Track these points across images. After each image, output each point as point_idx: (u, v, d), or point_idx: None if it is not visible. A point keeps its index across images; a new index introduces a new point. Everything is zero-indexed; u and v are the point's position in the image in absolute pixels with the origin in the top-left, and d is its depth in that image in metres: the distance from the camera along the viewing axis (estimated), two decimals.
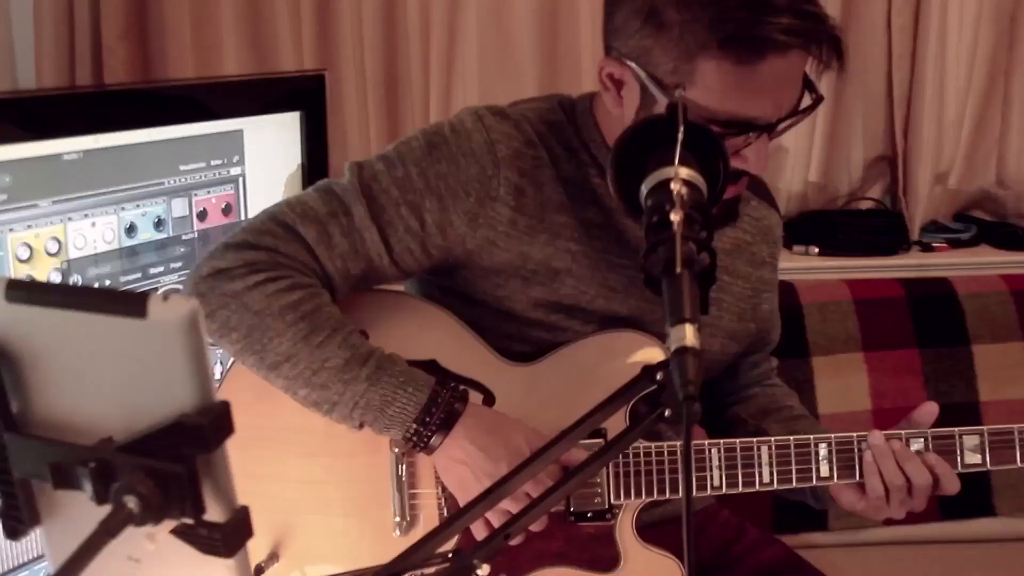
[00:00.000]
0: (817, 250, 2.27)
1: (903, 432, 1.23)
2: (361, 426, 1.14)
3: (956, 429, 1.24)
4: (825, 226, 2.30)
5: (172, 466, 0.71)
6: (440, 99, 2.24)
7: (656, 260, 0.93)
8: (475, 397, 1.21)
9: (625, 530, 1.24)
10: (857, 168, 2.38)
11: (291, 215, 1.16)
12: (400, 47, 2.22)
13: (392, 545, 1.19)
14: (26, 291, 0.79)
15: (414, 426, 1.13)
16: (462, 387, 1.18)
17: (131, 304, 0.73)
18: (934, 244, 2.31)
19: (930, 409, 1.24)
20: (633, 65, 1.13)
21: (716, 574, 1.39)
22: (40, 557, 1.30)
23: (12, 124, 1.25)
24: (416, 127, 2.16)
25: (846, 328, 2.08)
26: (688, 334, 0.86)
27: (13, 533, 0.79)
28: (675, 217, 0.94)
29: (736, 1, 1.07)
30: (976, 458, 1.24)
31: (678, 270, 0.89)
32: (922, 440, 1.22)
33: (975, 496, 2.01)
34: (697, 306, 0.89)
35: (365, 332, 1.21)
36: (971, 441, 1.24)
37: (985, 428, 1.24)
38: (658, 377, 0.96)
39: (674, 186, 0.98)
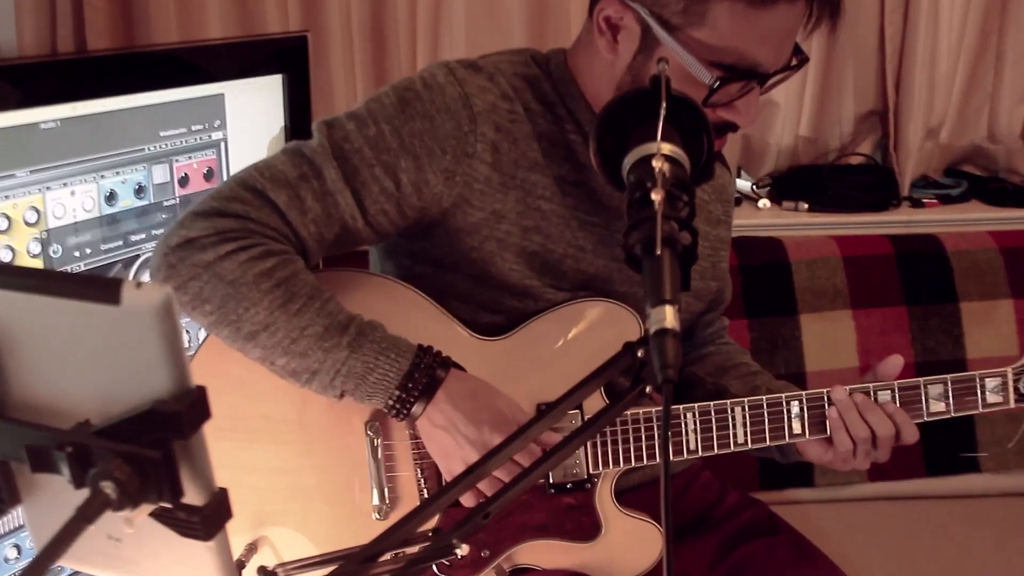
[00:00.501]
0: (807, 206, 2.27)
1: (870, 385, 1.24)
2: (342, 395, 1.13)
3: (920, 379, 1.26)
4: (815, 181, 2.29)
5: (149, 452, 0.71)
6: (427, 55, 2.21)
7: (637, 239, 0.93)
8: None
9: (604, 498, 1.25)
10: (848, 123, 2.36)
11: (261, 180, 1.12)
12: (387, 2, 2.18)
13: (373, 529, 1.17)
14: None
15: (396, 392, 1.12)
16: (445, 355, 1.17)
17: (104, 291, 0.73)
18: (924, 200, 2.30)
19: (895, 362, 1.26)
20: (637, 6, 1.11)
21: (696, 536, 1.40)
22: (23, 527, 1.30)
23: None
24: (401, 75, 2.19)
25: (834, 285, 2.08)
26: (668, 316, 0.86)
27: None
28: (656, 196, 0.93)
29: None
30: (940, 406, 1.26)
31: (658, 251, 0.88)
32: (888, 392, 1.24)
33: (961, 451, 2.03)
34: (678, 287, 0.89)
35: None
36: (935, 390, 1.25)
37: (948, 377, 1.26)
38: (639, 354, 0.96)
39: (656, 163, 0.97)
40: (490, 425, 1.14)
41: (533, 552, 1.24)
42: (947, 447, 2.02)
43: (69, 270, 1.37)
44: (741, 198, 2.32)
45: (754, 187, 2.32)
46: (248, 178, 1.13)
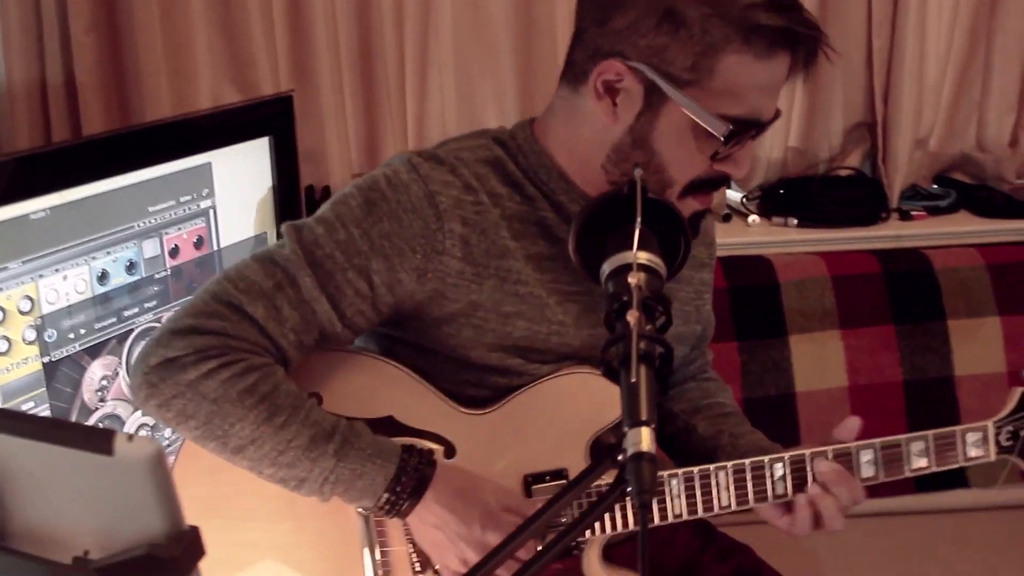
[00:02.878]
0: (796, 221, 2.26)
1: (852, 446, 1.24)
2: (330, 498, 1.15)
3: (902, 437, 1.25)
4: (805, 196, 2.28)
5: None
6: (416, 91, 2.22)
7: (614, 354, 0.96)
8: (436, 450, 1.22)
9: (592, 562, 1.26)
10: (837, 135, 2.35)
11: (235, 293, 1.12)
12: (375, 43, 2.19)
13: None
14: None
15: (385, 495, 1.14)
16: (428, 448, 1.19)
17: (98, 441, 0.75)
18: (913, 212, 2.30)
19: (851, 425, 1.25)
20: (642, 66, 1.10)
21: None
22: None
23: None
24: (394, 129, 2.21)
25: (823, 305, 2.09)
26: (644, 439, 0.89)
27: None
28: (631, 318, 0.95)
29: None
30: (923, 462, 1.26)
31: (634, 378, 0.90)
32: (871, 451, 1.24)
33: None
34: (654, 408, 0.91)
35: (319, 395, 1.20)
36: (917, 446, 1.26)
37: (930, 433, 1.26)
38: (619, 458, 0.98)
39: (632, 280, 0.99)
40: (480, 522, 1.16)
41: None
42: None
43: (64, 351, 1.38)
44: (731, 213, 2.32)
45: (744, 200, 2.32)
46: (223, 292, 1.12)
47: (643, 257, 1.01)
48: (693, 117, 1.10)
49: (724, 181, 1.18)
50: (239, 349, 1.11)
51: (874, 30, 2.23)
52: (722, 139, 1.10)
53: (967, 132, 2.36)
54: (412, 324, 1.21)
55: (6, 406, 1.32)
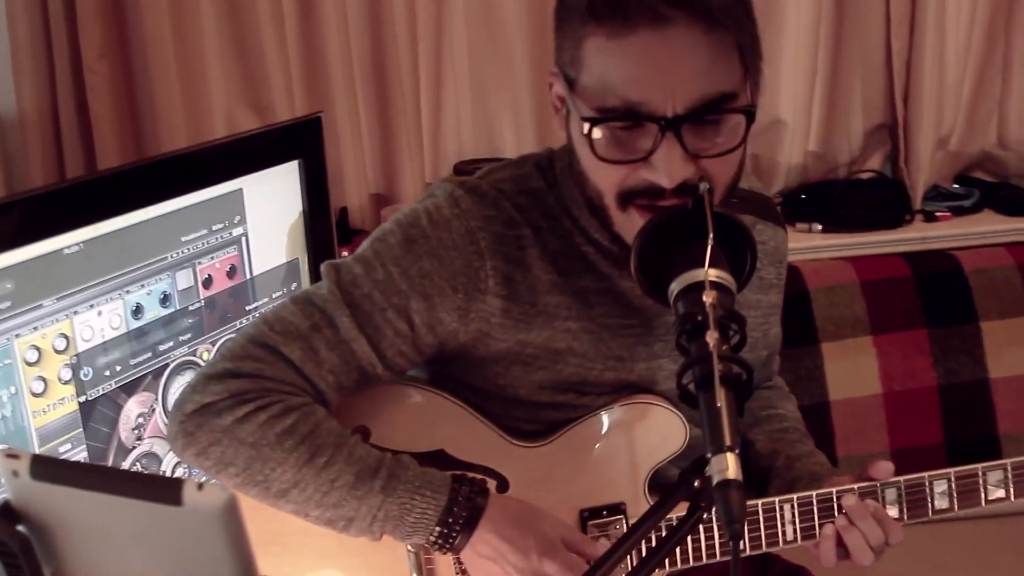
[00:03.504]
0: (820, 227, 2.24)
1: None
2: (381, 536, 1.11)
3: (978, 466, 1.22)
4: (827, 201, 2.26)
5: None
6: (431, 107, 2.20)
7: (691, 379, 0.93)
8: (489, 484, 1.18)
9: None
10: (857, 137, 2.34)
11: (272, 335, 1.09)
12: (389, 61, 2.17)
13: None
14: (52, 469, 0.77)
15: (437, 529, 1.10)
16: (480, 477, 1.15)
17: (166, 491, 0.72)
18: (937, 213, 2.28)
19: (885, 467, 1.21)
20: (556, 70, 1.07)
21: None
22: None
23: (9, 228, 1.19)
24: (411, 147, 2.20)
25: (854, 312, 2.06)
26: (730, 465, 0.86)
27: None
28: (710, 339, 0.92)
29: None
30: (1000, 492, 1.24)
31: (719, 403, 0.88)
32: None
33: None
34: (737, 432, 0.89)
35: (367, 428, 1.17)
36: (994, 477, 1.24)
37: (1008, 462, 1.23)
38: (695, 484, 0.95)
39: (706, 298, 0.95)
40: (538, 551, 1.12)
41: None
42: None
43: (100, 390, 1.34)
44: None
45: None
46: (259, 334, 1.09)
47: (714, 274, 0.98)
48: (573, 111, 1.05)
49: (661, 191, 1.05)
50: (276, 391, 1.08)
51: (893, 31, 2.22)
52: (583, 132, 1.02)
53: (988, 130, 2.34)
54: (458, 363, 1.18)
55: (45, 449, 1.28)
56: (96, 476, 0.78)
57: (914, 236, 2.22)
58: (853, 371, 2.04)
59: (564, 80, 1.06)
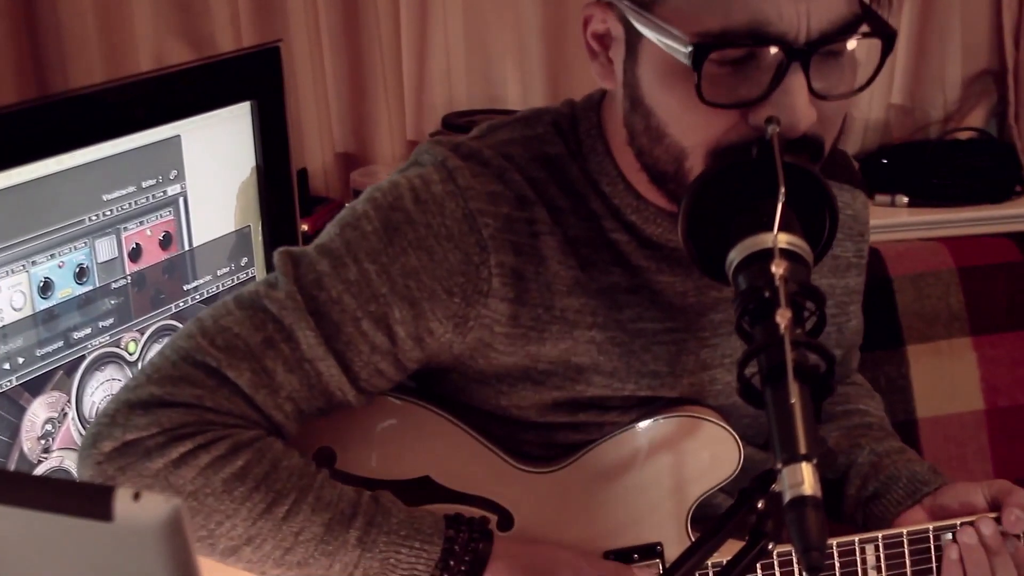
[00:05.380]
0: (907, 200, 2.26)
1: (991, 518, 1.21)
2: None
3: None
4: (915, 167, 2.28)
5: None
6: (414, 43, 2.21)
7: (755, 370, 0.93)
8: (488, 519, 1.19)
9: None
10: (954, 87, 2.36)
11: (213, 352, 1.07)
12: None
13: None
14: None
15: None
16: (479, 515, 1.15)
17: (91, 503, 0.72)
18: None
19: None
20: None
21: None
22: None
23: None
24: (388, 96, 2.20)
25: (949, 305, 2.08)
26: (807, 478, 0.86)
27: None
28: (781, 319, 0.91)
29: None
30: None
31: (792, 400, 0.87)
32: None
33: None
34: (815, 437, 0.88)
35: (330, 449, 1.18)
36: None
37: None
38: (759, 506, 0.96)
39: (775, 269, 0.95)
40: None
41: None
42: None
43: None
44: None
45: None
46: (195, 349, 1.08)
47: (785, 240, 0.98)
48: (657, 41, 1.01)
49: (808, 144, 1.05)
50: (219, 424, 1.07)
51: None
52: (687, 62, 0.99)
53: None
54: (449, 378, 1.19)
55: None
56: (5, 485, 0.78)
57: None
58: (948, 381, 2.05)
59: (630, 7, 1.03)
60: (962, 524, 1.21)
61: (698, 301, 1.19)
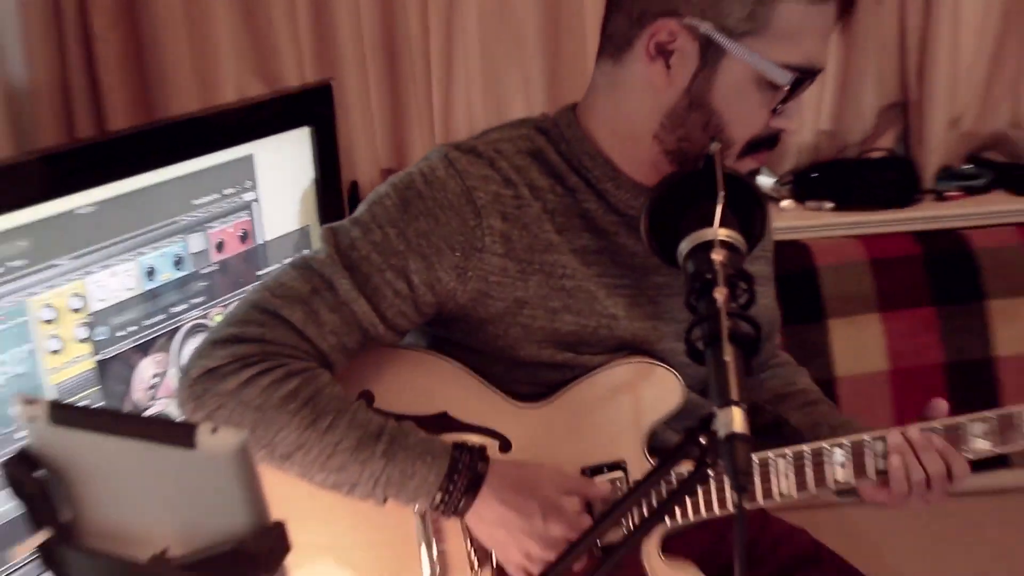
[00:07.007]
0: (831, 205, 2.25)
1: (918, 426, 1.23)
2: (385, 500, 1.14)
3: (964, 417, 1.24)
4: (838, 179, 2.27)
5: None
6: (443, 82, 2.22)
7: (699, 335, 0.97)
8: (491, 445, 1.22)
9: (651, 554, 1.26)
10: (869, 116, 2.34)
11: (273, 300, 1.12)
12: (399, 32, 2.19)
13: None
14: (70, 414, 0.80)
15: (439, 494, 1.13)
16: (480, 444, 1.18)
17: (180, 435, 0.74)
18: (947, 193, 2.28)
19: (940, 406, 1.24)
20: (696, 22, 1.09)
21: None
22: None
23: (24, 187, 1.23)
24: (421, 120, 2.22)
25: (862, 289, 2.09)
26: (736, 419, 0.89)
27: None
28: (719, 295, 0.95)
29: None
30: (985, 444, 1.24)
31: (726, 357, 0.91)
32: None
33: None
34: (744, 386, 0.92)
35: (370, 392, 1.20)
36: (978, 428, 1.23)
37: (995, 414, 1.24)
38: (701, 440, 0.98)
39: (715, 256, 0.99)
40: (542, 514, 1.16)
41: None
42: None
43: (115, 350, 1.38)
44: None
45: (776, 185, 2.32)
46: (260, 300, 1.13)
47: (724, 234, 1.01)
48: (757, 68, 1.09)
49: (776, 140, 1.17)
50: (279, 354, 1.11)
51: (907, 7, 2.22)
52: (787, 87, 1.09)
53: (1002, 110, 2.35)
54: (458, 325, 1.21)
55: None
56: (112, 420, 0.80)
57: (924, 215, 2.22)
58: (860, 347, 2.07)
59: (721, 34, 1.09)
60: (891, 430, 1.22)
61: (644, 263, 1.23)
